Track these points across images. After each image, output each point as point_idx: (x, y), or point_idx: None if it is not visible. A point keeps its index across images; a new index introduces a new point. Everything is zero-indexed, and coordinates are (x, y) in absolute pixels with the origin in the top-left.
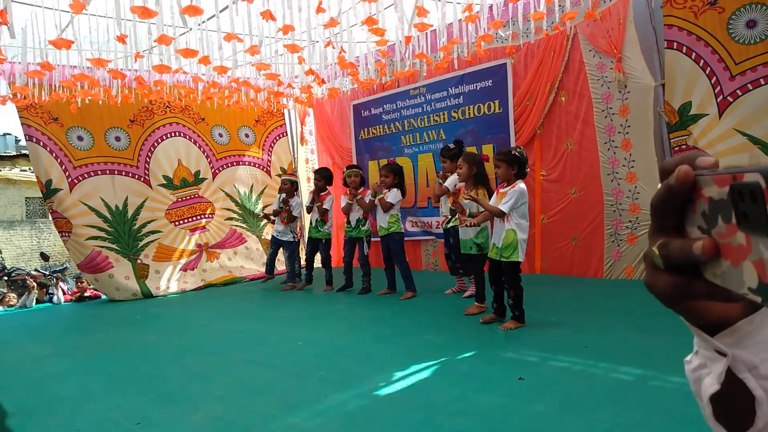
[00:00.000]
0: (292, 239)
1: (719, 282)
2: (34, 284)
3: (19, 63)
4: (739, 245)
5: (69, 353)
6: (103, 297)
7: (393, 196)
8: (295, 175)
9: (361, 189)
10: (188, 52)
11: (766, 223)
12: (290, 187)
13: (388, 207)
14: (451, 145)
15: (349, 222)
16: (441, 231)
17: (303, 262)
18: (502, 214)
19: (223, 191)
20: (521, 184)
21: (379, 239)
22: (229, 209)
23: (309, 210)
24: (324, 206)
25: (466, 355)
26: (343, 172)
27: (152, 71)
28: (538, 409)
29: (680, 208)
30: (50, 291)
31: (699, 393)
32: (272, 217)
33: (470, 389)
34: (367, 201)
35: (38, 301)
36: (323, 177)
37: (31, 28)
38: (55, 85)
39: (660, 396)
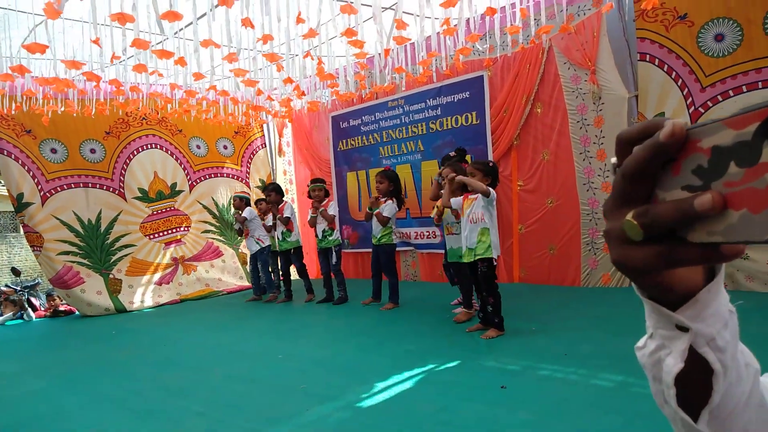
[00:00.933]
0: (259, 248)
1: (720, 238)
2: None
3: None
4: (745, 187)
5: (44, 370)
6: (77, 313)
7: (389, 209)
8: (246, 193)
9: (325, 201)
10: (164, 53)
11: None
12: (240, 203)
13: (385, 221)
14: (452, 153)
15: (316, 234)
16: (421, 242)
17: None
18: (487, 192)
19: (201, 203)
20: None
21: (357, 250)
22: (206, 222)
23: (269, 229)
24: (285, 215)
25: (449, 364)
26: (308, 186)
27: (128, 73)
28: (521, 417)
29: (656, 172)
30: (23, 307)
31: (659, 377)
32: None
33: (454, 399)
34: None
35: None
36: (273, 190)
37: (4, 32)
38: (27, 88)
39: (641, 401)
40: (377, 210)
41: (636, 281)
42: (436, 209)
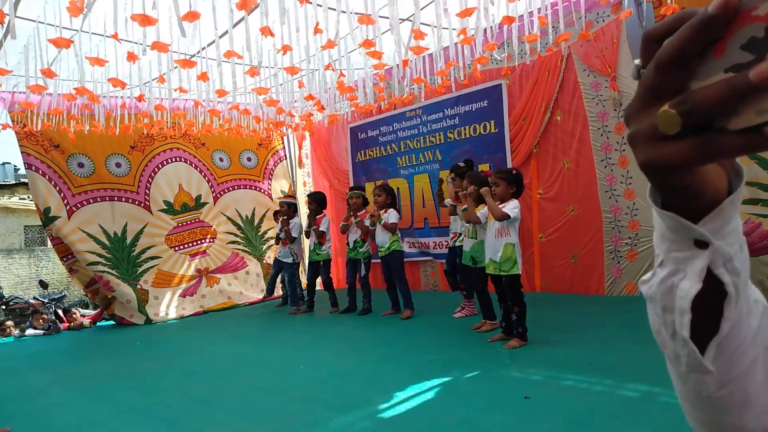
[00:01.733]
0: (292, 261)
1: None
2: (38, 312)
3: (15, 90)
4: None
5: (71, 382)
6: (101, 323)
7: (393, 216)
8: (294, 197)
9: (362, 211)
10: (187, 63)
11: None
12: (288, 210)
13: (393, 228)
14: (461, 164)
15: (348, 243)
16: (440, 251)
17: (304, 285)
18: (505, 218)
19: (225, 215)
20: (516, 201)
21: (379, 260)
22: (231, 233)
23: (307, 234)
24: (320, 228)
25: (471, 374)
26: (346, 194)
27: (151, 87)
28: (545, 428)
29: (695, 57)
30: (51, 319)
31: (670, 305)
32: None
33: (476, 409)
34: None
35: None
36: (315, 201)
37: (34, 45)
38: (53, 106)
39: (668, 411)
40: (383, 221)
41: (664, 183)
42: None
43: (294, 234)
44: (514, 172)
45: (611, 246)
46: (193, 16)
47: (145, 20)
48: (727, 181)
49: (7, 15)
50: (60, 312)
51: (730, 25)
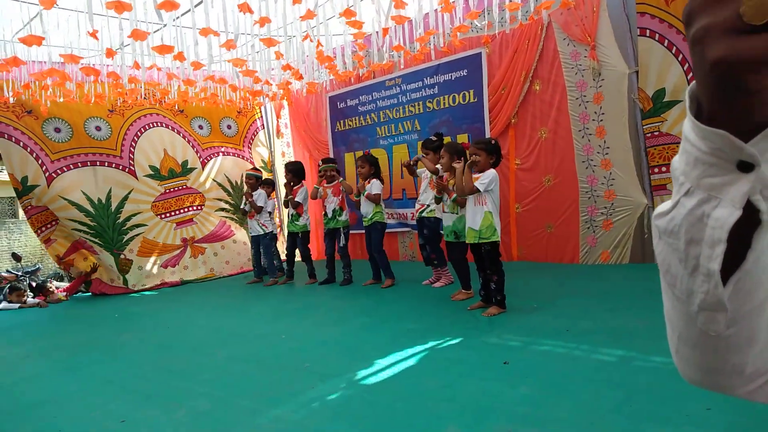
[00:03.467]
0: (263, 233)
1: None
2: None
3: None
4: None
5: (46, 355)
6: (76, 295)
7: (377, 186)
8: (258, 170)
9: (335, 182)
10: (164, 48)
11: None
12: (254, 182)
13: (377, 198)
14: (433, 137)
15: (326, 213)
16: (414, 222)
17: (283, 257)
18: (475, 191)
19: (215, 180)
20: (494, 171)
21: (357, 231)
22: (221, 199)
23: (286, 204)
24: (296, 199)
25: (451, 342)
26: (318, 165)
27: (124, 67)
28: (523, 392)
29: None
30: (24, 292)
31: (698, 237)
32: (246, 211)
33: (457, 375)
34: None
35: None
36: (290, 171)
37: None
38: (24, 81)
39: (642, 375)
40: (367, 192)
41: (737, 86)
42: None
43: (259, 204)
44: (492, 141)
45: (587, 216)
46: (171, 5)
47: (120, 7)
48: None
49: None
50: (34, 285)
51: None
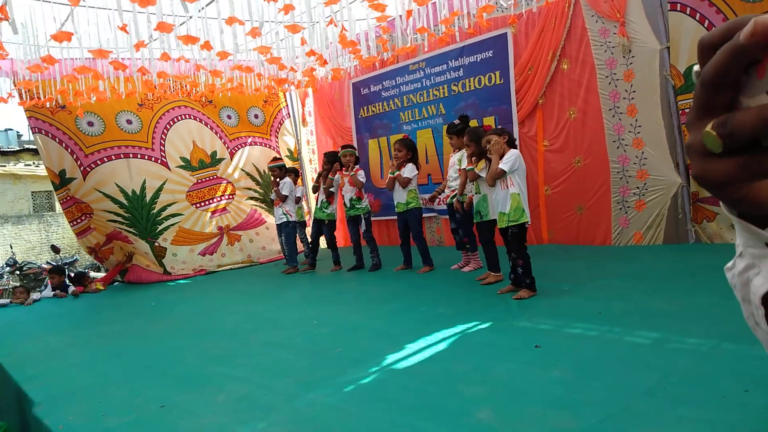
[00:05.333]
0: (286, 221)
1: None
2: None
3: (22, 61)
4: None
5: (88, 343)
6: (113, 285)
7: (409, 171)
8: (280, 159)
9: (355, 168)
10: (189, 39)
11: None
12: (279, 172)
13: (405, 183)
14: (456, 121)
15: (345, 203)
16: (443, 208)
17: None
18: (501, 174)
19: (244, 170)
20: (515, 150)
21: (379, 218)
22: (250, 188)
23: (315, 189)
24: (331, 189)
25: (482, 326)
26: (338, 152)
27: (153, 61)
28: (555, 375)
29: (738, 78)
30: (65, 283)
31: (747, 297)
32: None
33: (487, 358)
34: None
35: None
36: (330, 160)
37: (31, 23)
38: (56, 80)
39: (677, 357)
40: (397, 173)
41: (719, 197)
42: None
43: (284, 192)
44: (498, 126)
45: (618, 196)
46: None
47: (145, 0)
48: None
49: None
50: (72, 275)
51: (766, 49)
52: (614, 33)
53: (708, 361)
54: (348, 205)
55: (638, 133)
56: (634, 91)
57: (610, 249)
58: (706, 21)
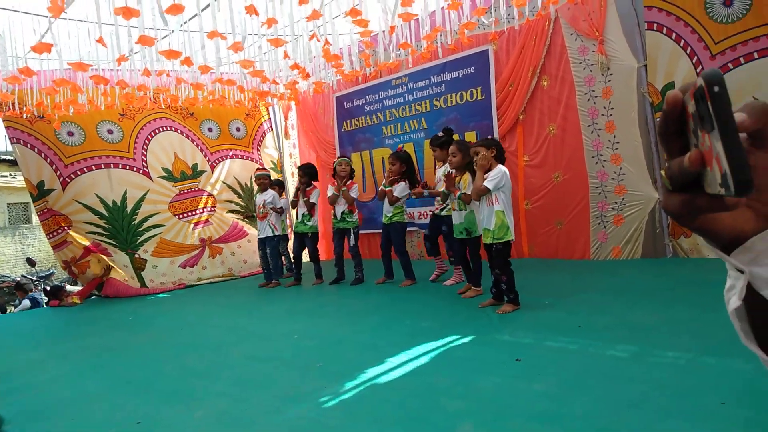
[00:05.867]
0: (272, 234)
1: (710, 190)
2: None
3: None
4: (708, 147)
5: (65, 357)
6: (90, 299)
7: (400, 190)
8: (267, 170)
9: (350, 181)
10: (172, 54)
11: (710, 118)
12: (266, 181)
13: (393, 201)
14: (440, 134)
15: (335, 215)
16: (425, 221)
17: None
18: (486, 192)
19: (225, 183)
20: (502, 167)
21: (373, 231)
22: (231, 201)
23: (294, 205)
24: (311, 200)
25: (465, 339)
26: (333, 162)
27: (134, 73)
28: (539, 389)
29: (679, 132)
30: (37, 296)
31: (732, 316)
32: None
33: (469, 372)
34: (353, 194)
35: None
36: (306, 173)
37: (9, 34)
38: (34, 91)
39: (657, 371)
40: (389, 188)
41: (681, 224)
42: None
43: (279, 205)
44: (489, 137)
45: (597, 211)
46: (177, 9)
47: (128, 13)
48: (757, 221)
49: None
50: (48, 289)
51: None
52: (593, 51)
53: (687, 374)
54: (338, 218)
55: (616, 149)
56: (612, 108)
57: (590, 263)
58: (682, 40)
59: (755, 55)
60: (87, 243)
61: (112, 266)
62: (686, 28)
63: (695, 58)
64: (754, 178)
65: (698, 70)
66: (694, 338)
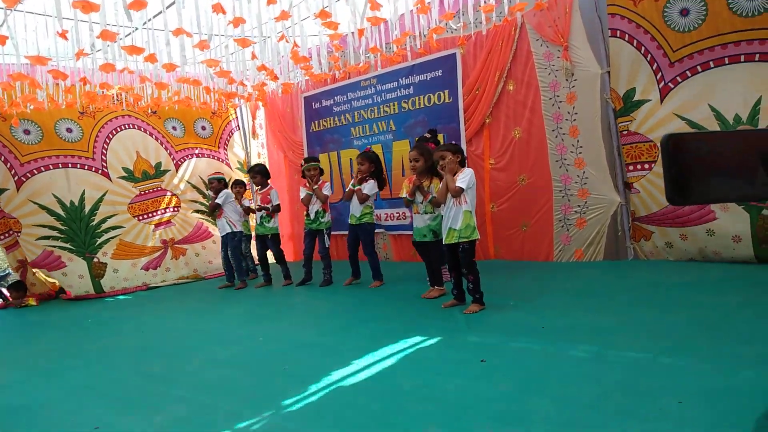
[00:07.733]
0: (231, 231)
1: None
2: None
3: None
4: None
5: (18, 362)
6: (48, 301)
7: (369, 188)
8: (221, 173)
9: (320, 182)
10: (134, 49)
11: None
12: (219, 184)
13: (364, 199)
14: (427, 134)
15: (308, 215)
16: (392, 223)
17: (256, 260)
18: (460, 191)
19: (189, 183)
20: (470, 169)
21: (339, 233)
22: (195, 201)
23: (259, 209)
24: (272, 202)
25: (430, 341)
26: (301, 165)
27: (96, 70)
28: (501, 389)
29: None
30: None
31: None
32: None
33: (434, 374)
34: (326, 192)
35: None
36: (258, 173)
37: None
38: None
39: (616, 371)
40: (358, 187)
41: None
42: (406, 188)
43: (218, 201)
44: (453, 142)
45: (561, 214)
46: (140, 4)
47: (88, 7)
48: None
49: None
50: (3, 290)
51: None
52: (558, 57)
53: (645, 374)
54: (312, 218)
55: (580, 153)
56: (576, 113)
57: (553, 265)
58: (643, 47)
59: (711, 64)
60: (38, 252)
61: (59, 285)
62: (646, 36)
63: (655, 65)
64: None
65: (658, 77)
66: (653, 339)
